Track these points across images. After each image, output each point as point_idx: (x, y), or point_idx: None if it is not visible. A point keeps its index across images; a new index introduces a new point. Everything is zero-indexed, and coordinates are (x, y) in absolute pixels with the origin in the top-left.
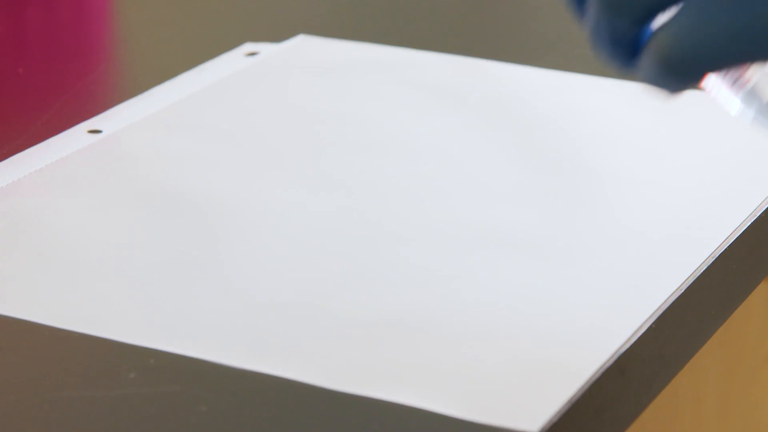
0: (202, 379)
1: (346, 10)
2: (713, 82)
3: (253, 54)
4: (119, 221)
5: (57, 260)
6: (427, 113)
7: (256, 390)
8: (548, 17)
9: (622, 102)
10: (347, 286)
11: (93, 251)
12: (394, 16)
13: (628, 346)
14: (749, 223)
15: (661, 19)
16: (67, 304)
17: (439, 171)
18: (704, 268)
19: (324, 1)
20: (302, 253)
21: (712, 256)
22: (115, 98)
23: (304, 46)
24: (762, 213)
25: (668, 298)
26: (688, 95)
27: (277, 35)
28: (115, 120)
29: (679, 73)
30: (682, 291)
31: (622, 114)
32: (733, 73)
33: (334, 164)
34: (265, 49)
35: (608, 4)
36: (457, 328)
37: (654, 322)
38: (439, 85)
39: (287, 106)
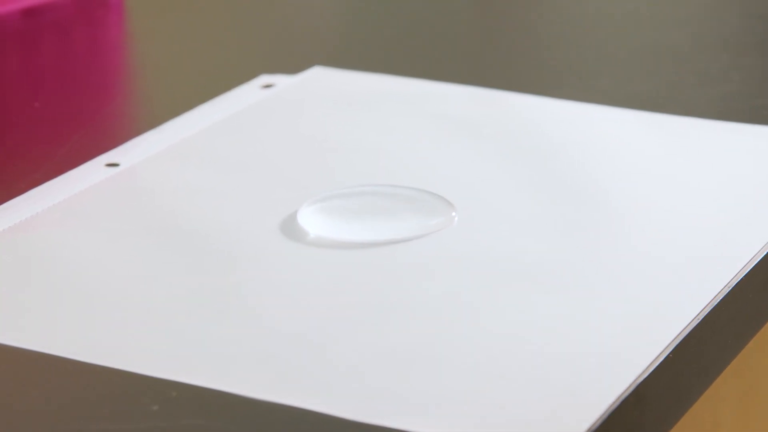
0: (225, 412)
1: (360, 41)
2: None
3: (268, 86)
4: (138, 254)
5: (78, 293)
6: (443, 144)
7: (278, 422)
8: (563, 48)
9: (637, 131)
10: (369, 317)
11: (113, 284)
12: (409, 47)
13: (646, 375)
14: (767, 251)
15: None
16: (89, 337)
17: (456, 202)
18: (721, 297)
19: (339, 32)
20: (322, 283)
21: (728, 285)
22: (132, 131)
23: (319, 77)
24: None
25: (686, 327)
26: (704, 124)
27: (293, 67)
28: (132, 153)
29: None
30: (700, 320)
31: (637, 143)
32: None
33: None
34: (280, 81)
35: None
36: (475, 359)
37: (672, 352)
38: (455, 116)
39: (303, 138)
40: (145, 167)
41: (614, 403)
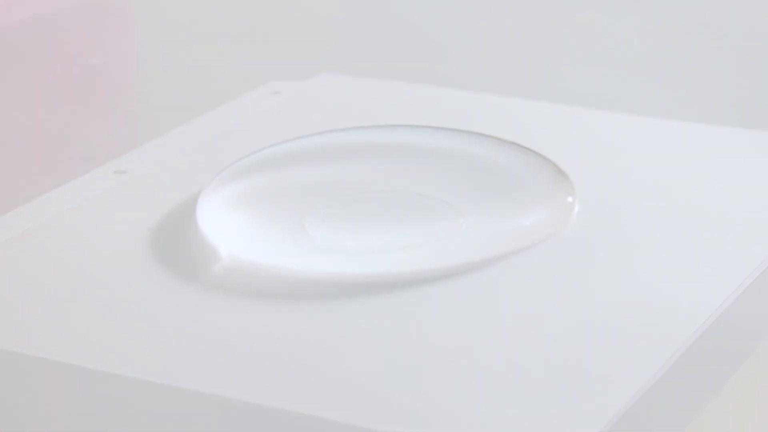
0: (237, 419)
1: (367, 47)
2: None
3: (275, 93)
4: (146, 260)
5: (85, 300)
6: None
7: (287, 427)
8: (573, 55)
9: (647, 137)
10: (375, 324)
11: (122, 291)
12: (417, 53)
13: (649, 386)
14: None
15: None
16: (98, 343)
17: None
18: (729, 303)
19: (346, 38)
20: (329, 290)
21: (736, 291)
22: (139, 138)
23: (326, 83)
24: None
25: (695, 332)
26: (715, 130)
27: (300, 73)
28: (140, 160)
29: None
30: (708, 325)
31: (647, 149)
32: None
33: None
34: (287, 87)
35: None
36: (483, 365)
37: (680, 357)
38: (463, 122)
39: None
40: (153, 174)
41: (617, 414)
